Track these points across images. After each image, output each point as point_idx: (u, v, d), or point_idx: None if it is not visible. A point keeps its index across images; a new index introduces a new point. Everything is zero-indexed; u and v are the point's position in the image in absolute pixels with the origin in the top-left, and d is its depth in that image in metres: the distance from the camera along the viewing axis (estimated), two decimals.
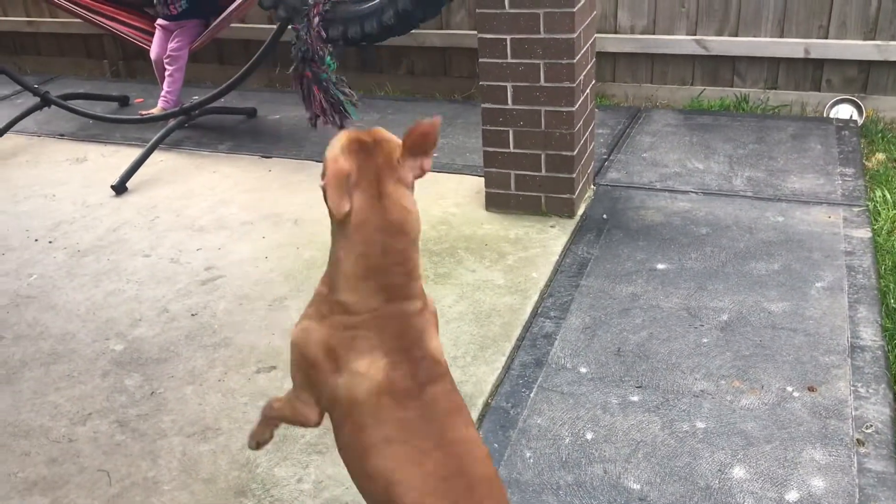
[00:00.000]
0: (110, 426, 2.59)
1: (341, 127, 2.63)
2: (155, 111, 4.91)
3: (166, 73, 4.86)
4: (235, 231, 3.72)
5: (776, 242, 3.33)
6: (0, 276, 3.52)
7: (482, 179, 3.78)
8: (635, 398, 2.56)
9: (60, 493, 2.35)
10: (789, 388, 2.55)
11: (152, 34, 4.92)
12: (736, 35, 4.67)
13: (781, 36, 4.59)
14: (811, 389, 2.54)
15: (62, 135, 5.06)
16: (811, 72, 4.62)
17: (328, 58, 2.82)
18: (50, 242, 3.76)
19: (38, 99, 4.89)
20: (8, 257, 3.67)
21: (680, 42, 4.76)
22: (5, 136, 4.86)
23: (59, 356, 2.96)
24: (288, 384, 2.68)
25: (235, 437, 2.49)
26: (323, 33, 3.25)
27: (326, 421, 1.73)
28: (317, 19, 3.22)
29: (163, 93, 4.93)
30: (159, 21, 4.87)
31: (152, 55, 4.89)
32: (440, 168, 4.22)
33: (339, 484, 2.29)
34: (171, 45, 4.80)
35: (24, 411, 2.70)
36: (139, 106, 5.39)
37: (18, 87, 4.96)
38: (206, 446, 2.47)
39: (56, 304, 3.28)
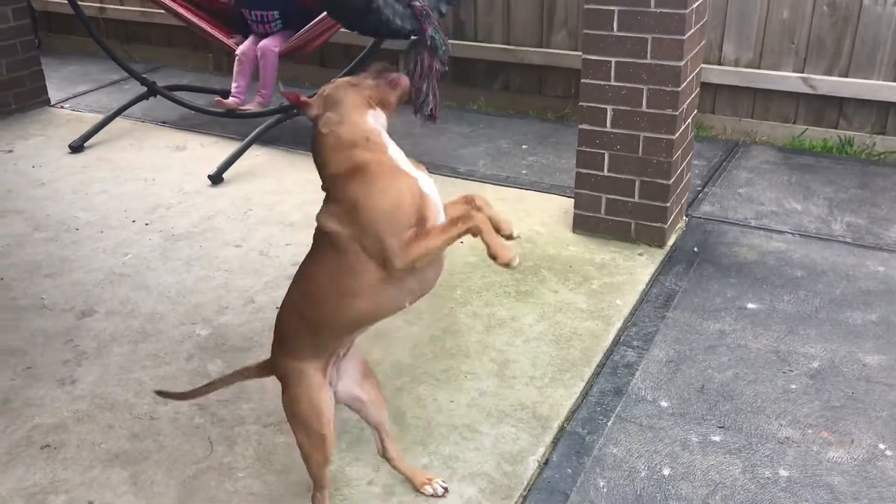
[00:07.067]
0: (190, 408, 2.65)
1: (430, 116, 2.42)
2: (251, 107, 5.00)
3: (261, 71, 4.94)
4: None
5: (875, 292, 3.20)
6: (98, 252, 3.65)
7: (570, 200, 3.74)
8: (717, 438, 2.48)
9: (140, 468, 2.41)
10: (882, 446, 2.43)
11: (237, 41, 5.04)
12: (846, 76, 4.52)
13: (895, 80, 4.43)
14: None
15: (164, 122, 5.24)
16: None
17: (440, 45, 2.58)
18: (146, 224, 3.89)
19: (145, 88, 5.07)
20: (107, 235, 3.80)
21: (786, 78, 4.64)
22: (114, 120, 5.05)
23: (147, 335, 3.05)
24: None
25: None
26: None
27: None
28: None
29: (259, 91, 5.02)
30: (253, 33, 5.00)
31: (239, 49, 4.96)
32: (528, 186, 4.20)
33: (410, 491, 2.29)
34: (263, 42, 4.88)
35: (111, 385, 2.78)
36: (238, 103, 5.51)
37: (126, 74, 5.15)
38: (281, 438, 2.50)
39: (148, 284, 3.39)
